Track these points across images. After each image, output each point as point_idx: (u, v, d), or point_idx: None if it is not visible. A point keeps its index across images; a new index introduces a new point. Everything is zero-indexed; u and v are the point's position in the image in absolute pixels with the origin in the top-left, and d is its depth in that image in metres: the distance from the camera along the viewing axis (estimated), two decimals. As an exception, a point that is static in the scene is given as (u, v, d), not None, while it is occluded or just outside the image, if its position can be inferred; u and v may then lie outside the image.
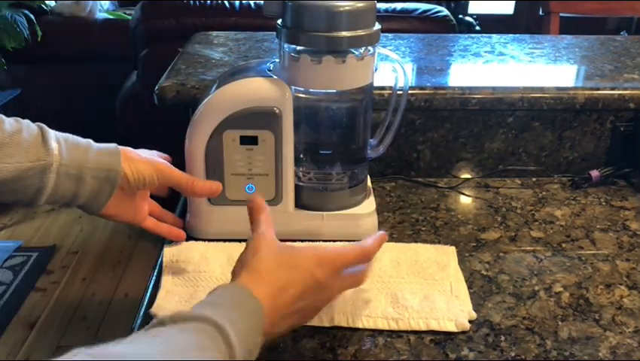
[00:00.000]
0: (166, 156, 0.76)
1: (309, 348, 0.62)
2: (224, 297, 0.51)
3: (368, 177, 0.84)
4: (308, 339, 0.63)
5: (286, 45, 0.71)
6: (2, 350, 1.77)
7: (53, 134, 0.63)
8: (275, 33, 0.73)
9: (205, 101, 0.73)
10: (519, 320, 0.67)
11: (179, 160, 0.78)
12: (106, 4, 3.03)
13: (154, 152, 0.74)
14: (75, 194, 0.63)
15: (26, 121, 0.63)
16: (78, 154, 0.63)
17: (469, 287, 0.71)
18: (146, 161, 0.68)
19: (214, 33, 1.28)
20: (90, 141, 0.66)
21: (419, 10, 2.03)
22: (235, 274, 0.56)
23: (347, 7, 0.67)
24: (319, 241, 0.78)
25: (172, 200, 0.93)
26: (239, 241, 0.64)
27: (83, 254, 2.25)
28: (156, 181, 0.68)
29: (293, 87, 0.72)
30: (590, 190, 0.96)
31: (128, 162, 0.66)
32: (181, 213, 0.86)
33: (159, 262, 0.74)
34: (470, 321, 0.65)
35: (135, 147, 0.71)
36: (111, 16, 2.86)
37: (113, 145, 0.66)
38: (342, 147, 0.83)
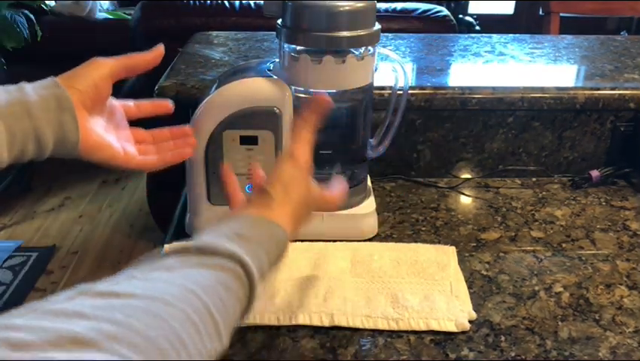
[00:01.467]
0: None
1: (309, 348, 0.62)
2: (257, 232, 0.51)
3: (368, 177, 0.84)
4: (308, 339, 0.63)
5: (286, 45, 0.71)
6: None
7: None
8: (275, 33, 0.73)
9: (205, 101, 0.73)
10: (519, 320, 0.67)
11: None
12: (106, 4, 3.03)
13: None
14: (37, 132, 0.57)
15: None
16: (13, 94, 0.57)
17: (469, 287, 0.71)
18: (81, 66, 0.62)
19: (214, 33, 1.28)
20: (21, 83, 0.60)
21: (419, 10, 2.03)
22: (270, 199, 0.55)
23: (347, 7, 0.67)
24: (319, 241, 0.78)
25: (173, 201, 0.93)
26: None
27: (83, 254, 2.25)
28: (104, 72, 0.62)
29: (293, 87, 0.72)
30: (590, 190, 0.96)
31: (67, 78, 0.61)
32: (180, 213, 0.86)
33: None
34: (470, 321, 0.65)
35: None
36: (111, 16, 2.86)
37: (45, 80, 0.61)
38: (342, 147, 0.83)
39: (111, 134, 0.64)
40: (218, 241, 0.46)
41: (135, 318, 0.33)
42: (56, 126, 0.58)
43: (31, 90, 0.58)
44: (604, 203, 0.92)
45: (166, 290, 0.37)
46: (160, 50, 0.68)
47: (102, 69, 0.62)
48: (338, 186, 0.64)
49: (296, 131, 0.60)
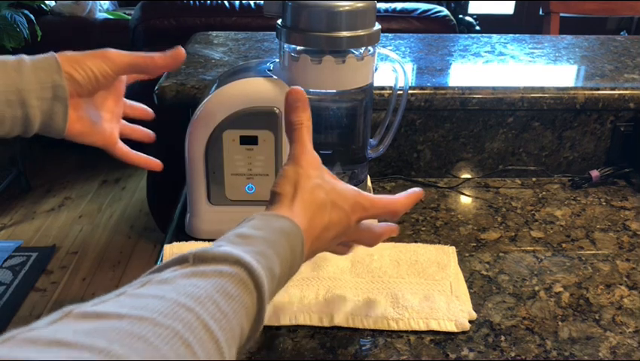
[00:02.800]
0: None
1: (309, 348, 0.62)
2: (263, 230, 0.47)
3: (368, 177, 0.84)
4: (308, 339, 0.63)
5: (286, 45, 0.71)
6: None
7: None
8: (275, 33, 0.73)
9: (205, 101, 0.73)
10: (519, 320, 0.67)
11: (179, 160, 0.78)
12: (106, 4, 3.03)
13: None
14: (26, 119, 0.57)
15: None
16: (10, 77, 0.56)
17: (469, 287, 0.71)
18: (90, 54, 0.61)
19: (214, 33, 1.28)
20: (22, 56, 0.58)
21: (419, 10, 2.04)
22: (280, 196, 0.52)
23: (347, 7, 0.67)
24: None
25: (175, 191, 0.93)
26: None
27: (83, 254, 2.25)
28: (109, 70, 0.60)
29: (293, 87, 0.72)
30: (590, 190, 0.96)
31: (70, 64, 0.59)
32: (180, 213, 0.86)
33: (158, 262, 0.74)
34: (470, 321, 0.65)
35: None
36: (111, 16, 2.87)
37: (49, 55, 0.59)
38: (342, 147, 0.83)
39: (104, 113, 0.65)
40: (216, 247, 0.43)
41: (118, 343, 0.31)
42: (46, 114, 0.58)
43: (30, 72, 0.57)
44: (604, 203, 0.92)
45: (155, 307, 0.35)
46: (181, 52, 0.64)
47: (108, 65, 0.60)
48: (406, 197, 0.58)
49: (291, 135, 0.57)
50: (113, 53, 0.61)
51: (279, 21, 0.72)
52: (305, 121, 0.56)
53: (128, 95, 0.71)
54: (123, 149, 0.68)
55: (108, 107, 0.66)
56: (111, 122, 0.66)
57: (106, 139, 0.65)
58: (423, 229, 0.84)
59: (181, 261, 0.41)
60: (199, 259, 0.41)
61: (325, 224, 0.52)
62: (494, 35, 1.30)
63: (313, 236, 0.51)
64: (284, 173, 0.54)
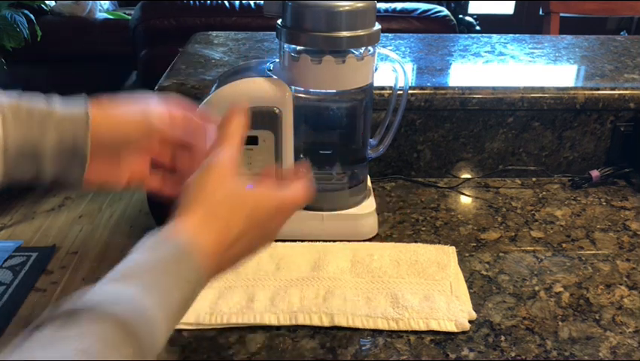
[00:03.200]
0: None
1: (309, 348, 0.62)
2: (156, 261, 0.42)
3: (368, 177, 0.84)
4: (308, 339, 0.63)
5: (286, 45, 0.71)
6: (2, 350, 1.77)
7: None
8: (275, 33, 0.73)
9: (205, 101, 0.73)
10: (519, 320, 0.67)
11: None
12: (106, 4, 3.03)
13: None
14: (38, 174, 0.52)
15: None
16: (31, 127, 0.50)
17: (469, 287, 0.71)
18: (132, 114, 0.53)
19: (214, 33, 1.28)
20: (54, 106, 0.52)
21: (419, 10, 2.04)
22: (184, 210, 0.47)
23: (347, 7, 0.67)
24: (319, 241, 0.78)
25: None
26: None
27: (83, 254, 2.25)
28: (145, 139, 0.54)
29: (293, 87, 0.72)
30: (590, 190, 0.96)
31: (103, 119, 0.52)
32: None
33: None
34: (470, 321, 0.65)
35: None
36: (111, 16, 2.87)
37: (81, 105, 0.52)
38: (342, 147, 0.83)
39: (122, 161, 0.56)
40: (91, 295, 0.38)
41: None
42: (61, 171, 0.53)
43: (56, 122, 0.51)
44: (604, 203, 0.92)
45: None
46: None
47: (147, 133, 0.53)
48: (297, 180, 0.53)
49: (222, 133, 0.52)
50: (159, 123, 0.53)
51: (279, 21, 0.72)
52: (243, 137, 0.52)
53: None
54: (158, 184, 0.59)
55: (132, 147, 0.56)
56: (134, 163, 0.57)
57: (120, 188, 0.57)
58: (423, 229, 0.84)
59: (51, 319, 0.37)
60: (66, 316, 0.37)
61: (239, 233, 0.48)
62: (494, 35, 1.31)
63: (222, 250, 0.47)
64: (194, 177, 0.49)
